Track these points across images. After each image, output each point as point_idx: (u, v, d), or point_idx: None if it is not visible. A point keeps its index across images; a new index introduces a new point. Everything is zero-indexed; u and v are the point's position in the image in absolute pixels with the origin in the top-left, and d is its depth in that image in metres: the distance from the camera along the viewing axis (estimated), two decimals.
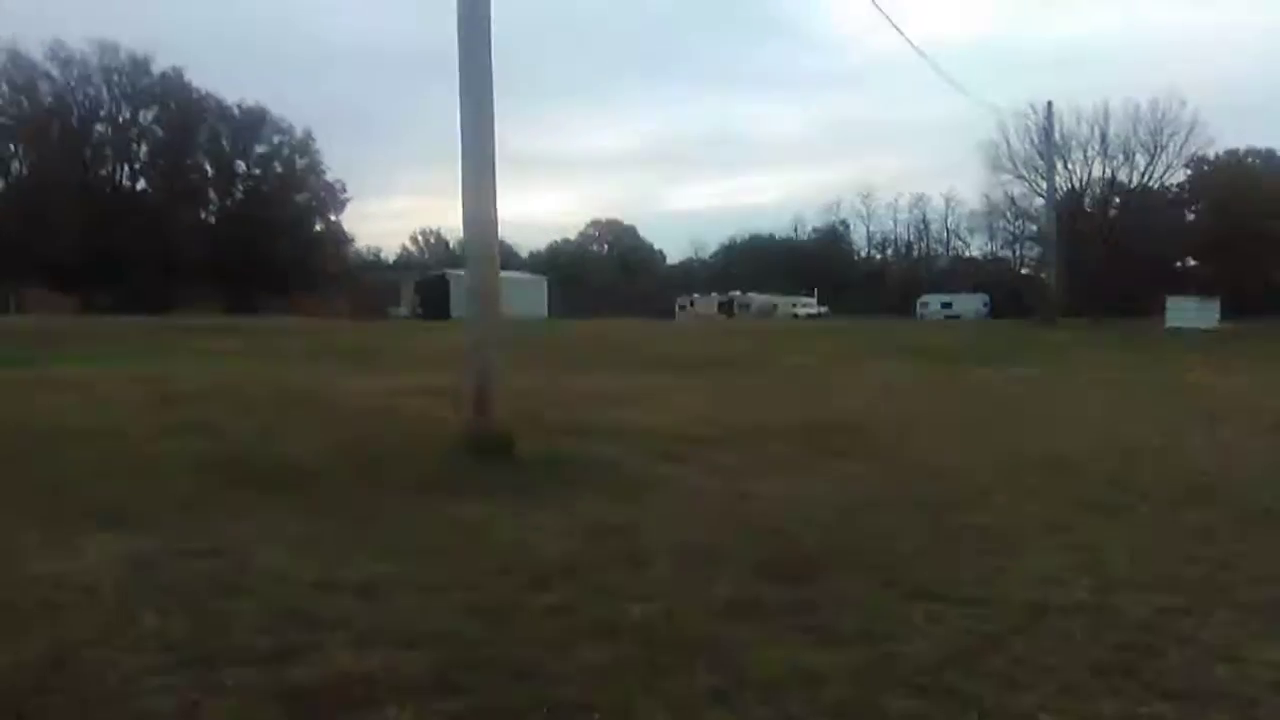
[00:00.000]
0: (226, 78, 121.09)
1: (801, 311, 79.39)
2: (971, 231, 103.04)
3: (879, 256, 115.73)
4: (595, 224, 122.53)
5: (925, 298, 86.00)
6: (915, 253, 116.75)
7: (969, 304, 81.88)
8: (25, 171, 71.33)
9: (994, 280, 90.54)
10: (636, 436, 9.80)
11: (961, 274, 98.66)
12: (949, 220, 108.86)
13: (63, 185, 66.20)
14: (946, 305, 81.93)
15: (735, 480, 7.72)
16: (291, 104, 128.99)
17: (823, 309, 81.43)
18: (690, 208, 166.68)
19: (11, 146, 71.25)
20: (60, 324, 41.19)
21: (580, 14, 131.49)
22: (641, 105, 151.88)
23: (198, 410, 11.48)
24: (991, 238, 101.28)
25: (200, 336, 30.91)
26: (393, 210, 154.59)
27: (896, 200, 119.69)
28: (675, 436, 9.90)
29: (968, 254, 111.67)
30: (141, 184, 78.62)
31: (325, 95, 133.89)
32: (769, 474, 8.04)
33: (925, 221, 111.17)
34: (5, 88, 69.79)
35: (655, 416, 11.49)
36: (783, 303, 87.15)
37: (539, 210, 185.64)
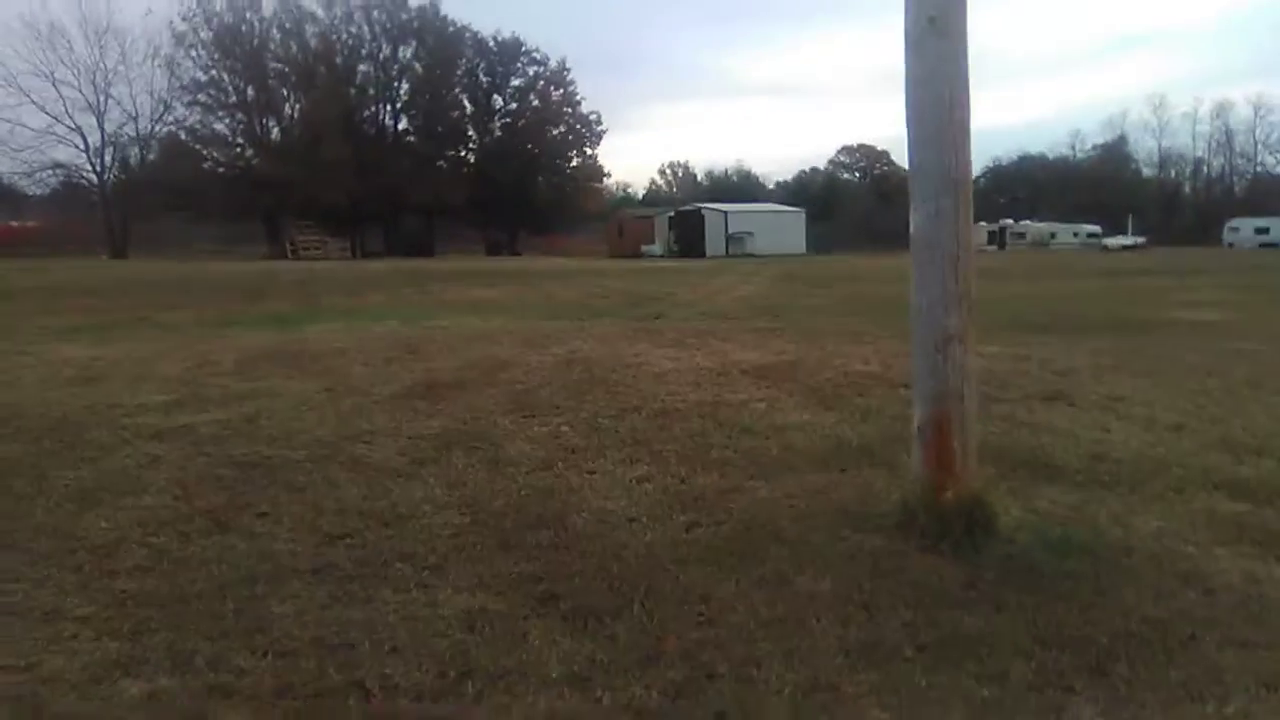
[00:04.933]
0: (478, 6, 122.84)
1: (1113, 244, 70.80)
2: None
3: (1168, 175, 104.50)
4: (845, 150, 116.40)
5: (1235, 221, 76.43)
6: (1211, 170, 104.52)
7: None
8: (295, 115, 73.67)
9: None
10: (1147, 483, 5.89)
11: (1270, 194, 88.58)
12: (1257, 131, 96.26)
13: (330, 126, 67.74)
14: (1262, 230, 72.19)
15: None
16: (538, 33, 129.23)
17: (1139, 239, 72.21)
18: None
19: (284, 91, 73.71)
20: (327, 270, 41.18)
21: None
22: (884, 17, 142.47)
23: (464, 406, 8.54)
24: None
25: (462, 283, 29.12)
26: (629, 144, 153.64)
27: (1196, 110, 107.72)
28: (1203, 479, 5.92)
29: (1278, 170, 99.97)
30: (403, 123, 79.93)
31: (564, 24, 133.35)
32: None
33: (1229, 132, 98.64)
34: (277, 33, 72.07)
35: (1127, 429, 7.41)
36: (1061, 231, 79.95)
37: (783, 140, 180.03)
